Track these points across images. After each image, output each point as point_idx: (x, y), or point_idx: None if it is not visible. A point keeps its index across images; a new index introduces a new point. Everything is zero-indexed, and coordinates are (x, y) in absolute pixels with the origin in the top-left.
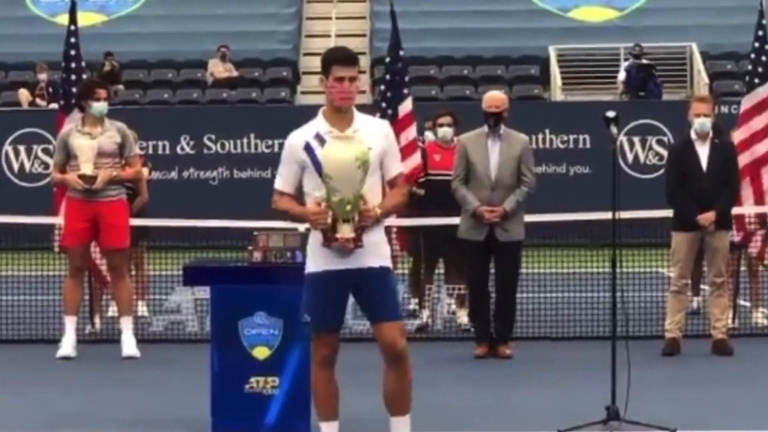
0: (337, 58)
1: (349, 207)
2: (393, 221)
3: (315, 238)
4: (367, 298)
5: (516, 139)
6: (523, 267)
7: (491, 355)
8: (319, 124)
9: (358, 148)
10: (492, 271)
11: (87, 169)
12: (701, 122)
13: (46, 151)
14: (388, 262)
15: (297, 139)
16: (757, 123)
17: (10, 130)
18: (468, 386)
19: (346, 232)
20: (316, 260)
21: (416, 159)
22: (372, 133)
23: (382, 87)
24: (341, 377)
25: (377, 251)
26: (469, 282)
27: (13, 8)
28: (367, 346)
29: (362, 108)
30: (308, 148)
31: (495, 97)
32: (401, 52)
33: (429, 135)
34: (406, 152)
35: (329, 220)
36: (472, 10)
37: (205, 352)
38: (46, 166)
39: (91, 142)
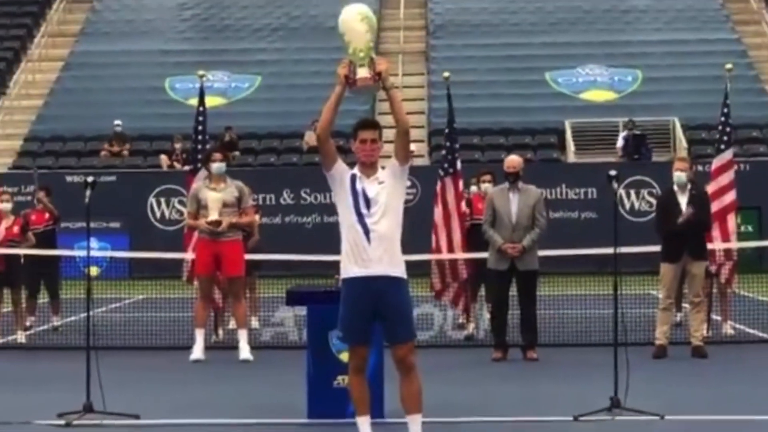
0: (360, 124)
1: (362, 54)
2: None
3: (344, 250)
4: (384, 321)
5: (531, 191)
6: (546, 290)
7: (505, 358)
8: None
9: (358, 8)
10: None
11: (214, 216)
12: (678, 175)
13: (180, 202)
14: (402, 273)
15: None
16: (724, 179)
17: (153, 187)
18: (504, 382)
19: (363, 73)
20: (346, 270)
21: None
22: (386, 173)
23: (444, 152)
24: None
25: (393, 260)
26: (493, 302)
27: (156, 94)
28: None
29: (422, 169)
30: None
31: (512, 160)
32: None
33: (474, 188)
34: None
35: (348, 68)
36: (506, 92)
37: (302, 357)
38: (180, 213)
39: (218, 194)
